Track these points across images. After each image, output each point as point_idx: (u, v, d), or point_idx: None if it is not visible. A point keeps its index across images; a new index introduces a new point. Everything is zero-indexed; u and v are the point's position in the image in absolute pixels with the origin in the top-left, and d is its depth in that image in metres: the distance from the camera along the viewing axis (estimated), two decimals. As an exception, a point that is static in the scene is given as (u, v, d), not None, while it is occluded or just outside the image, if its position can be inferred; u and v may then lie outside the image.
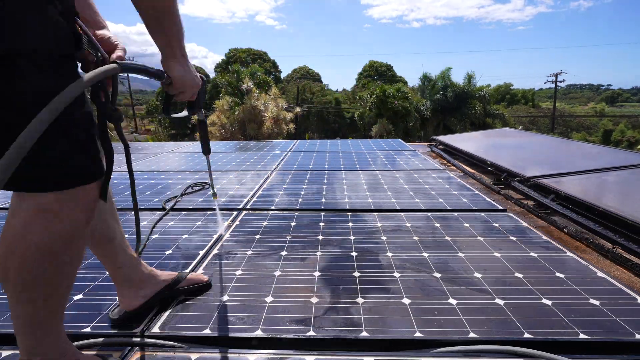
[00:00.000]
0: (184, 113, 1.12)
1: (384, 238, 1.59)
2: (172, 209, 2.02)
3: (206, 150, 1.27)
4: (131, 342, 0.95)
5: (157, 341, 0.95)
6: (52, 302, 0.73)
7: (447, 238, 1.58)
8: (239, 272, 1.30)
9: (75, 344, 0.91)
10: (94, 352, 0.91)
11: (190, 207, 2.06)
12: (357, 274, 1.28)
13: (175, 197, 2.22)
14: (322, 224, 1.78)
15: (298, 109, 17.08)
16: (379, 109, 20.36)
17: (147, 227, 1.75)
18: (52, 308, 0.74)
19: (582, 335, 0.94)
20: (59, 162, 0.67)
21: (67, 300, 0.78)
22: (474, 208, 1.97)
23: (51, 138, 0.64)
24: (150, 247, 1.52)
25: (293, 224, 1.78)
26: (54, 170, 0.67)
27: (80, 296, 1.16)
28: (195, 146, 4.66)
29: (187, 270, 1.28)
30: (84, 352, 0.87)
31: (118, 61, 0.74)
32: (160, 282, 1.09)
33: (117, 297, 1.13)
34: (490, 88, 21.11)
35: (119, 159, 3.59)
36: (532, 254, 1.42)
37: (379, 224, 1.76)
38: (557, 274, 1.26)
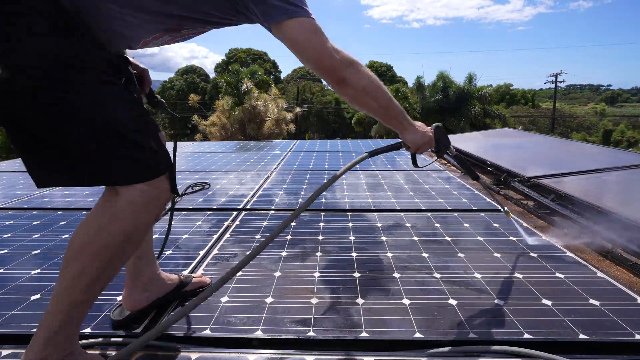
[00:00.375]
0: (434, 158, 1.49)
1: (384, 238, 1.59)
2: (171, 208, 2.02)
3: (475, 177, 1.42)
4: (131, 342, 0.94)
5: (157, 341, 0.95)
6: (96, 286, 0.81)
7: (447, 238, 1.58)
8: (239, 273, 1.30)
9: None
10: (94, 352, 0.92)
11: (190, 207, 2.06)
12: (357, 275, 1.28)
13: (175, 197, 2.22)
14: (322, 224, 1.78)
15: (298, 109, 17.08)
16: None
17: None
18: (94, 292, 0.82)
19: (582, 336, 0.94)
20: (141, 159, 0.79)
21: (102, 290, 0.84)
22: (474, 208, 1.97)
23: (129, 141, 0.78)
24: (150, 247, 1.52)
25: (293, 224, 1.78)
26: (138, 165, 0.79)
27: (80, 296, 1.16)
28: (196, 146, 4.66)
29: (187, 272, 1.28)
30: (89, 352, 0.87)
31: (401, 142, 1.16)
32: (167, 285, 1.09)
33: (117, 298, 1.13)
34: (490, 88, 21.09)
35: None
36: (532, 254, 1.42)
37: (379, 224, 1.76)
38: (557, 274, 1.26)
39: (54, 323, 0.78)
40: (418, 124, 1.14)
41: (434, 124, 1.20)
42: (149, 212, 0.81)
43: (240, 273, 1.30)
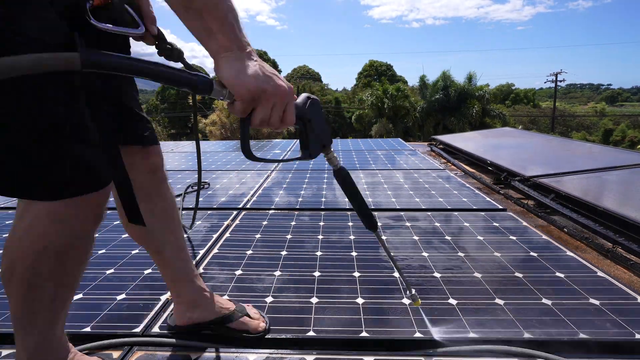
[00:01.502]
0: (298, 156, 0.75)
1: (384, 238, 1.59)
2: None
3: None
4: (131, 342, 0.95)
5: (157, 339, 0.95)
6: (54, 304, 0.72)
7: (447, 237, 1.58)
8: (239, 272, 1.30)
9: (75, 345, 0.91)
10: (94, 352, 0.92)
11: (191, 207, 2.06)
12: (357, 274, 1.28)
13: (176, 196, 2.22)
14: (322, 223, 1.78)
15: (298, 109, 17.07)
16: (379, 108, 20.40)
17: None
18: (54, 309, 0.73)
19: (582, 335, 0.94)
20: (63, 172, 0.63)
21: (69, 302, 0.76)
22: (474, 207, 1.97)
23: (54, 148, 0.61)
24: (150, 247, 1.52)
25: (293, 223, 1.78)
26: (58, 179, 0.63)
27: (80, 296, 1.16)
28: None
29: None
30: (85, 355, 0.86)
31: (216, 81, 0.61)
32: (213, 313, 0.97)
33: (117, 298, 1.14)
34: (492, 88, 21.12)
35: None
36: (532, 253, 1.42)
37: (379, 224, 1.76)
38: (557, 274, 1.26)
39: (26, 343, 0.72)
40: (263, 65, 0.64)
41: (305, 94, 0.71)
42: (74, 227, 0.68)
43: (239, 272, 1.30)
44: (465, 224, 1.74)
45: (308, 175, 2.81)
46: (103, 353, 0.91)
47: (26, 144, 0.58)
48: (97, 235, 1.73)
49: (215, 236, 1.63)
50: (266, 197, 2.23)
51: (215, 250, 1.49)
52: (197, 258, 1.41)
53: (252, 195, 2.27)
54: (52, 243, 0.66)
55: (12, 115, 0.57)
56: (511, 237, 1.58)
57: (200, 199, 2.19)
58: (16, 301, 0.70)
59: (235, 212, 1.95)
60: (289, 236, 1.62)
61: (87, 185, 0.65)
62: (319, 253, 1.45)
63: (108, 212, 1.98)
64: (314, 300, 1.12)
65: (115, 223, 1.81)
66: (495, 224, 1.74)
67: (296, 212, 1.95)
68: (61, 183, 0.63)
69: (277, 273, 1.30)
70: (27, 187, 0.62)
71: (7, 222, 1.86)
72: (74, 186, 0.64)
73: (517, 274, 1.26)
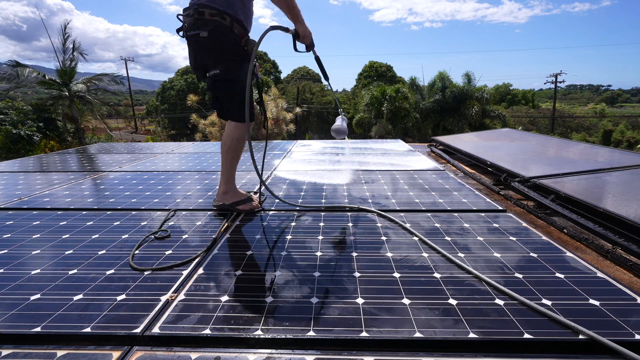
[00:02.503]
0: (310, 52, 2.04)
1: (383, 238, 1.59)
2: (177, 209, 2.02)
3: (326, 77, 2.21)
4: (131, 342, 0.95)
5: (157, 339, 0.95)
6: (233, 164, 1.89)
7: (447, 238, 1.58)
8: (239, 272, 1.30)
9: (75, 345, 0.91)
10: (94, 352, 0.92)
11: (191, 207, 2.06)
12: (357, 274, 1.28)
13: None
14: (322, 224, 1.78)
15: (298, 110, 17.06)
16: (378, 109, 20.42)
17: (150, 227, 1.75)
18: (233, 167, 1.90)
19: (582, 336, 0.94)
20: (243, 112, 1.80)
21: (235, 166, 1.92)
22: (474, 208, 1.97)
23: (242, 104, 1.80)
24: (150, 247, 1.53)
25: (293, 224, 1.78)
26: (229, 114, 1.85)
27: (80, 296, 1.16)
28: (196, 146, 4.67)
29: (187, 273, 1.28)
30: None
31: (295, 30, 1.92)
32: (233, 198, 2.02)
33: (117, 298, 1.14)
34: (489, 89, 21.11)
35: (119, 159, 3.58)
36: (532, 254, 1.42)
37: (379, 224, 1.76)
38: (557, 274, 1.26)
39: (224, 178, 1.91)
40: (307, 27, 1.93)
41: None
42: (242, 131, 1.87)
43: (240, 272, 1.30)
44: (466, 224, 1.74)
45: (308, 176, 2.81)
46: (103, 353, 0.91)
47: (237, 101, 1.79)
48: (97, 236, 1.74)
49: (215, 236, 1.63)
50: (266, 198, 2.23)
51: (215, 251, 1.49)
52: (197, 259, 1.42)
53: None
54: (232, 139, 1.85)
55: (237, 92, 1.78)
56: (511, 237, 1.58)
57: (200, 200, 2.20)
58: (225, 158, 1.86)
59: (235, 213, 1.95)
60: (289, 236, 1.62)
61: (251, 119, 1.82)
62: (319, 253, 1.45)
63: (108, 213, 1.99)
64: (314, 300, 1.12)
65: (115, 224, 1.81)
66: (495, 224, 1.74)
67: (296, 213, 1.95)
68: (243, 117, 1.80)
69: (277, 273, 1.30)
70: (232, 115, 1.84)
71: (7, 223, 1.86)
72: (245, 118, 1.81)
73: (517, 275, 1.26)
